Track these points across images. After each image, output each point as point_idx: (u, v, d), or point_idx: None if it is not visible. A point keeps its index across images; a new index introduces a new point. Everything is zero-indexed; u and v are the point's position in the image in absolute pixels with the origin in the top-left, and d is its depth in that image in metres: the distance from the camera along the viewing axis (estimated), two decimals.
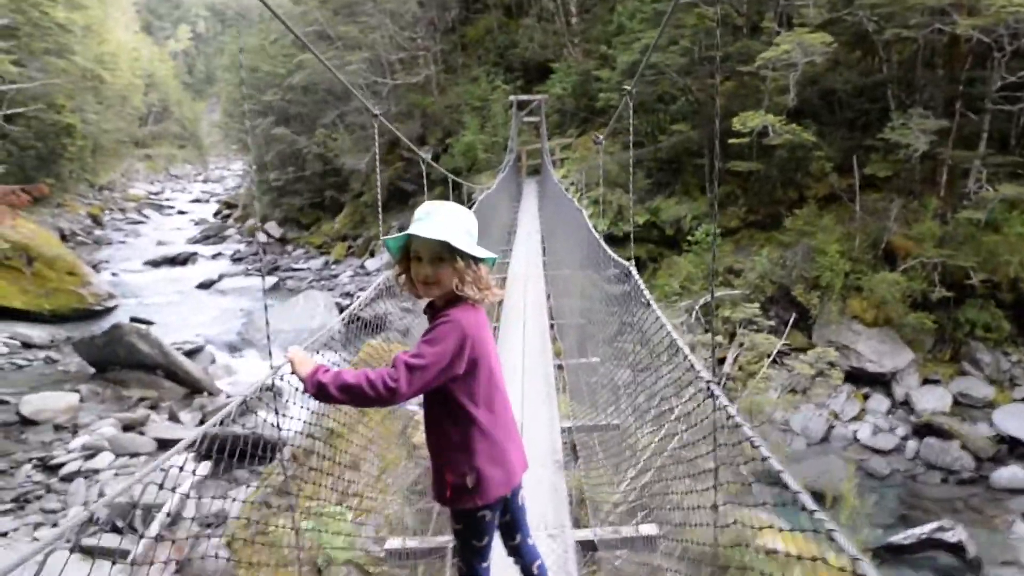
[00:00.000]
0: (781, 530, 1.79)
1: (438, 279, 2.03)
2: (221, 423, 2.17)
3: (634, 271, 3.46)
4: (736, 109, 17.17)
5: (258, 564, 6.91)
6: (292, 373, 2.06)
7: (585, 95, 23.78)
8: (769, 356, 9.44)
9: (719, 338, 13.52)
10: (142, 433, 13.39)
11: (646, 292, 3.13)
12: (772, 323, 12.04)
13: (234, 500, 6.91)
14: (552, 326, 8.02)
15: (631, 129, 4.78)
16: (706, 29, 17.53)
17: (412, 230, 2.01)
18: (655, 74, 19.35)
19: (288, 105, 30.34)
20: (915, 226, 15.58)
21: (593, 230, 5.44)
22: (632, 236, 4.60)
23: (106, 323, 19.69)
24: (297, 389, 2.08)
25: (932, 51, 17.10)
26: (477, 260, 2.05)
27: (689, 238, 18.22)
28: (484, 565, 2.32)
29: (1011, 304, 15.43)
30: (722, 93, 19.24)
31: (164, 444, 13.07)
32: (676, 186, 20.62)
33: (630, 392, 3.97)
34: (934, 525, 10.37)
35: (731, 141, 16.28)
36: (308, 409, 2.58)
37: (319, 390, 1.97)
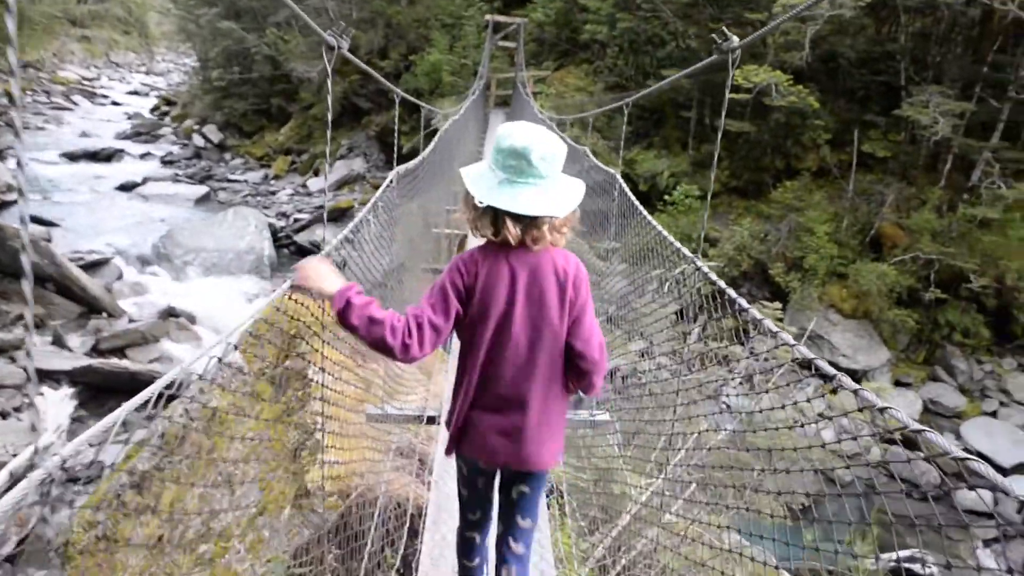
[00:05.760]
0: None
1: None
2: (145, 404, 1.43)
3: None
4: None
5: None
6: (302, 289, 1.82)
7: (568, 25, 21.63)
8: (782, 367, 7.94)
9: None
10: (12, 360, 11.36)
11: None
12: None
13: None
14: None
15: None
16: None
17: (523, 195, 1.72)
18: (650, 11, 17.37)
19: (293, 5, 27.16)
20: (912, 216, 14.28)
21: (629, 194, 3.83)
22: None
23: (2, 220, 17.20)
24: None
25: (953, 25, 15.58)
26: None
27: (666, 197, 16.62)
28: (471, 518, 2.08)
29: (994, 311, 14.46)
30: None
31: (40, 376, 11.09)
32: (656, 138, 18.93)
33: None
34: (905, 554, 9.32)
35: (728, 96, 14.55)
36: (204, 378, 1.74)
37: (345, 310, 1.71)
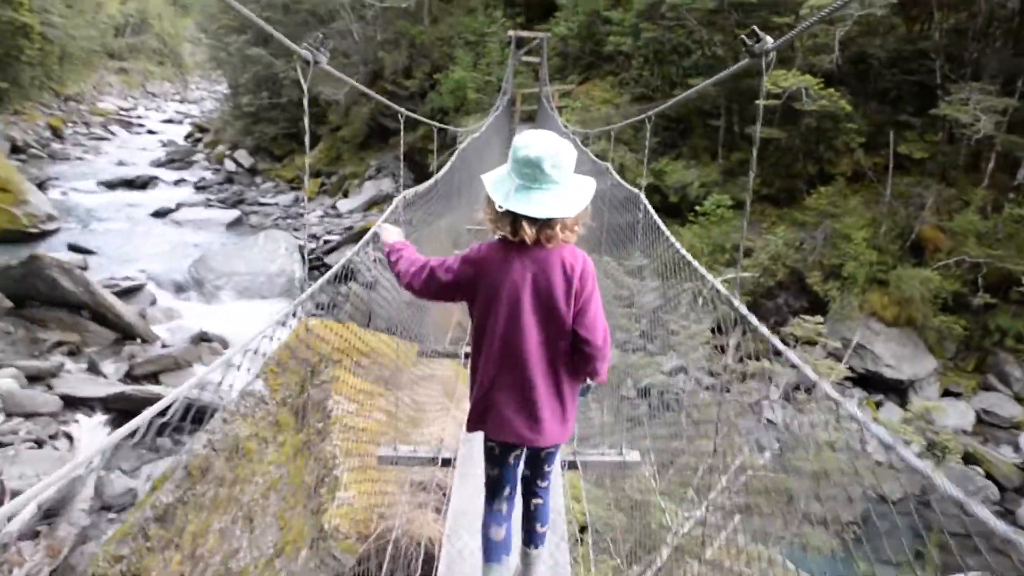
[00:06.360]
0: None
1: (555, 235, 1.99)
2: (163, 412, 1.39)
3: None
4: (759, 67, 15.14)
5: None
6: (377, 240, 2.52)
7: (591, 38, 21.48)
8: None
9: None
10: (49, 387, 11.47)
11: None
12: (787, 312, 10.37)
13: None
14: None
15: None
16: None
17: (538, 202, 1.92)
18: (674, 20, 17.15)
19: (266, 23, 27.54)
20: (955, 218, 13.78)
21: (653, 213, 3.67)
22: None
23: (42, 249, 17.55)
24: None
25: (990, 19, 15.08)
26: None
27: (696, 208, 16.31)
28: (495, 508, 2.23)
29: None
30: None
31: (72, 403, 11.17)
32: (684, 148, 18.63)
33: None
34: None
35: (756, 102, 14.28)
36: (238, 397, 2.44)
37: (390, 255, 2.28)
